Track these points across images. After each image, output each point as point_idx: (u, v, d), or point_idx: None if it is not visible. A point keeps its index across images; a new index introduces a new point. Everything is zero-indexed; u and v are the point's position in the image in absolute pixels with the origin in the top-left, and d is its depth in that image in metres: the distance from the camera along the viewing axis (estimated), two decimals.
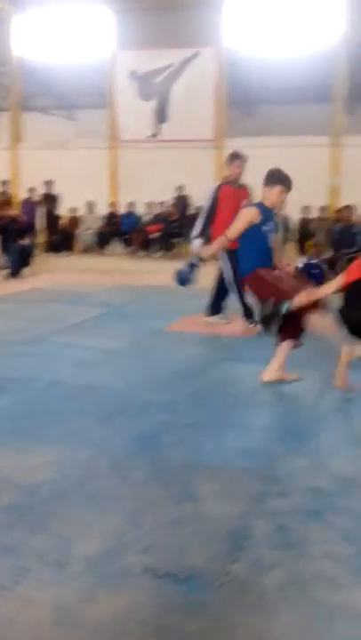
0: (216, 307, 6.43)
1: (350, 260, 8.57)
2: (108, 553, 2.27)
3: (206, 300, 6.53)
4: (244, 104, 18.57)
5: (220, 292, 6.39)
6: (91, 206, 15.46)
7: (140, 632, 1.88)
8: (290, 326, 4.23)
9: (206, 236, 6.23)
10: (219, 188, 6.28)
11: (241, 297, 6.10)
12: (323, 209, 13.64)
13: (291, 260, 8.40)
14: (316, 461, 3.06)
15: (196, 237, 6.25)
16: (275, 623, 1.90)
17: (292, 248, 12.31)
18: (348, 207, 8.83)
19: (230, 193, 6.20)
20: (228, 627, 1.89)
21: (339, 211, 10.43)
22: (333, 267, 7.69)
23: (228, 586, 2.08)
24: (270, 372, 4.29)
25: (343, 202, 12.28)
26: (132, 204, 15.28)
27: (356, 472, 2.95)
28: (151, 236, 14.34)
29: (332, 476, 2.89)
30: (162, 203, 14.74)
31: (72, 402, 3.94)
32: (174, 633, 1.87)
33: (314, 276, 6.99)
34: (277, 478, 2.87)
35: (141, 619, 1.93)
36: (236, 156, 6.22)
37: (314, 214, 13.69)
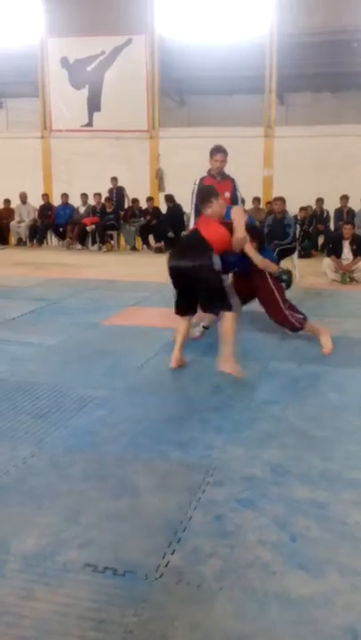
0: None
1: (282, 252, 8.77)
2: (47, 550, 2.28)
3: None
4: (177, 93, 18.58)
5: None
6: (24, 198, 15.18)
7: (79, 627, 1.91)
8: None
9: None
10: (201, 180, 6.29)
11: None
12: (255, 200, 13.81)
13: None
14: (251, 451, 3.15)
15: None
16: (211, 612, 1.97)
17: None
18: (279, 199, 8.97)
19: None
20: (166, 618, 1.94)
21: (271, 202, 10.60)
22: None
23: (167, 577, 2.13)
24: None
25: (275, 193, 12.51)
26: (66, 196, 15.08)
27: (287, 459, 3.05)
28: (88, 228, 14.21)
29: (265, 465, 2.98)
30: (98, 194, 14.62)
31: (9, 398, 3.90)
32: (114, 626, 1.90)
33: None
34: (213, 468, 2.94)
35: (81, 614, 1.96)
36: (215, 151, 6.21)
37: (248, 205, 13.86)
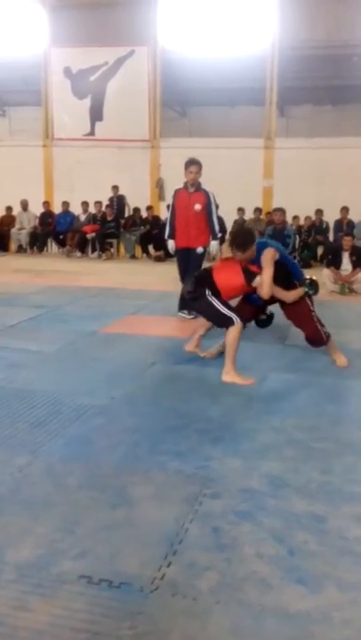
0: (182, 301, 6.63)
1: None
2: (42, 560, 2.26)
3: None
4: (178, 104, 18.65)
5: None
6: (25, 205, 15.22)
7: (74, 639, 1.88)
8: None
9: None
10: (176, 192, 6.79)
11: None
12: (256, 210, 13.83)
13: None
14: (249, 462, 3.12)
15: (169, 238, 6.80)
16: (207, 626, 1.94)
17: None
18: (279, 210, 9.00)
19: (184, 196, 6.69)
20: (161, 631, 1.91)
21: (270, 213, 10.63)
22: None
23: (163, 590, 2.10)
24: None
25: (275, 203, 12.55)
26: (67, 204, 15.11)
27: (285, 472, 3.03)
28: (88, 236, 14.23)
29: (263, 477, 2.96)
30: (99, 202, 14.65)
31: (5, 406, 3.88)
32: (109, 639, 1.88)
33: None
34: (211, 480, 2.92)
35: (76, 626, 1.94)
36: (189, 163, 6.59)
37: (249, 216, 13.89)
